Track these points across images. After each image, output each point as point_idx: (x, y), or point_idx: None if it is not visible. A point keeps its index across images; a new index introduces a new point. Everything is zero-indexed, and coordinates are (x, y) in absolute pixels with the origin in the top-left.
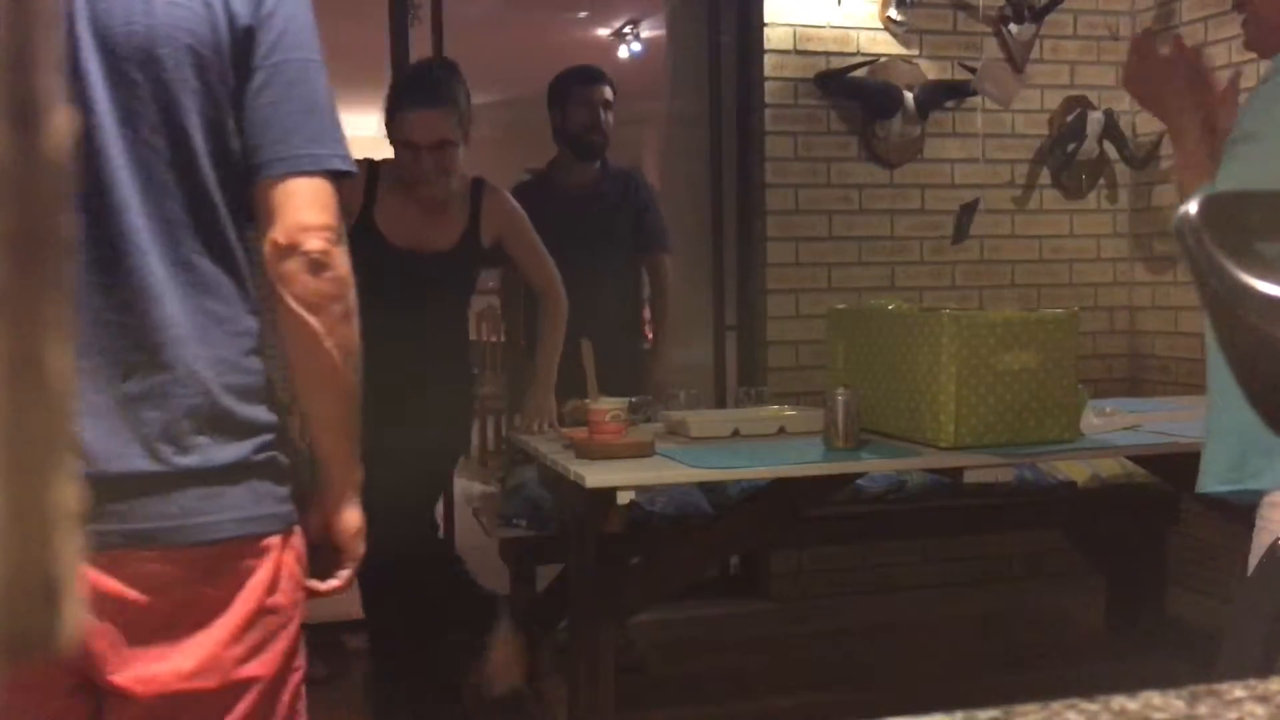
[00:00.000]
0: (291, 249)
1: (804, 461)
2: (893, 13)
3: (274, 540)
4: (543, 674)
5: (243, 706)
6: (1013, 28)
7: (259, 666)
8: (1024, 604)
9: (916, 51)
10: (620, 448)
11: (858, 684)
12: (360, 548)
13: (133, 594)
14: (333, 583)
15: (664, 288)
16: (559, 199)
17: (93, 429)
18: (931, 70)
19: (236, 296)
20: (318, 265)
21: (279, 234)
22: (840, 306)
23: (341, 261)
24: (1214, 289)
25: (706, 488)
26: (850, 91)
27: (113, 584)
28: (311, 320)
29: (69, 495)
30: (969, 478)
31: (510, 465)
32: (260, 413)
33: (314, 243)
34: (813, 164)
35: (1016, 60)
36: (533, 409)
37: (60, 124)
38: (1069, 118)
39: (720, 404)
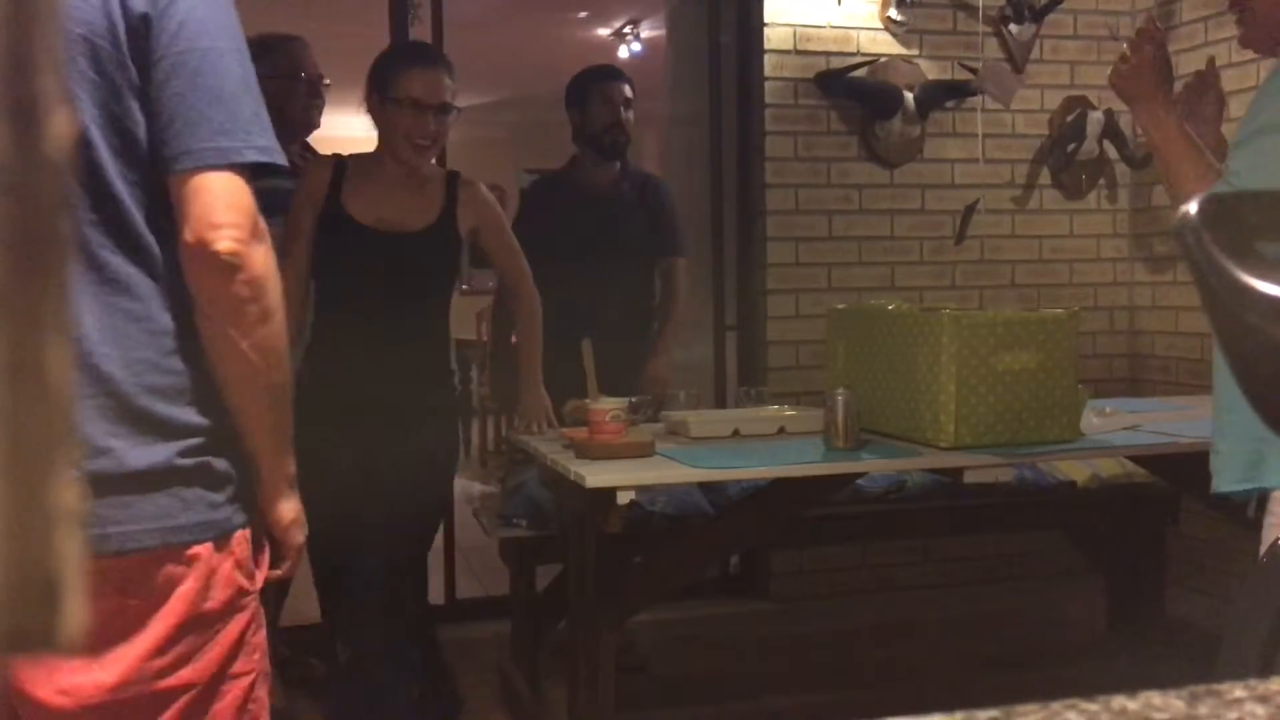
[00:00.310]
0: (200, 249)
1: (804, 461)
2: (893, 13)
3: (203, 549)
4: (542, 674)
5: (168, 716)
6: (1013, 28)
7: (189, 674)
8: (1024, 604)
9: (916, 51)
10: (620, 448)
11: (858, 684)
12: (297, 538)
13: None
14: (262, 575)
15: (676, 292)
16: (577, 198)
17: None
18: (931, 70)
19: (154, 293)
20: (228, 267)
21: (187, 233)
22: (840, 306)
23: (256, 260)
24: (1214, 289)
25: (706, 488)
26: (850, 91)
27: None
28: (225, 323)
29: (69, 494)
30: (969, 478)
31: (510, 465)
32: (187, 414)
33: (223, 243)
34: (813, 164)
35: (1016, 60)
36: (527, 409)
37: (61, 125)
38: (1069, 118)
39: (720, 404)
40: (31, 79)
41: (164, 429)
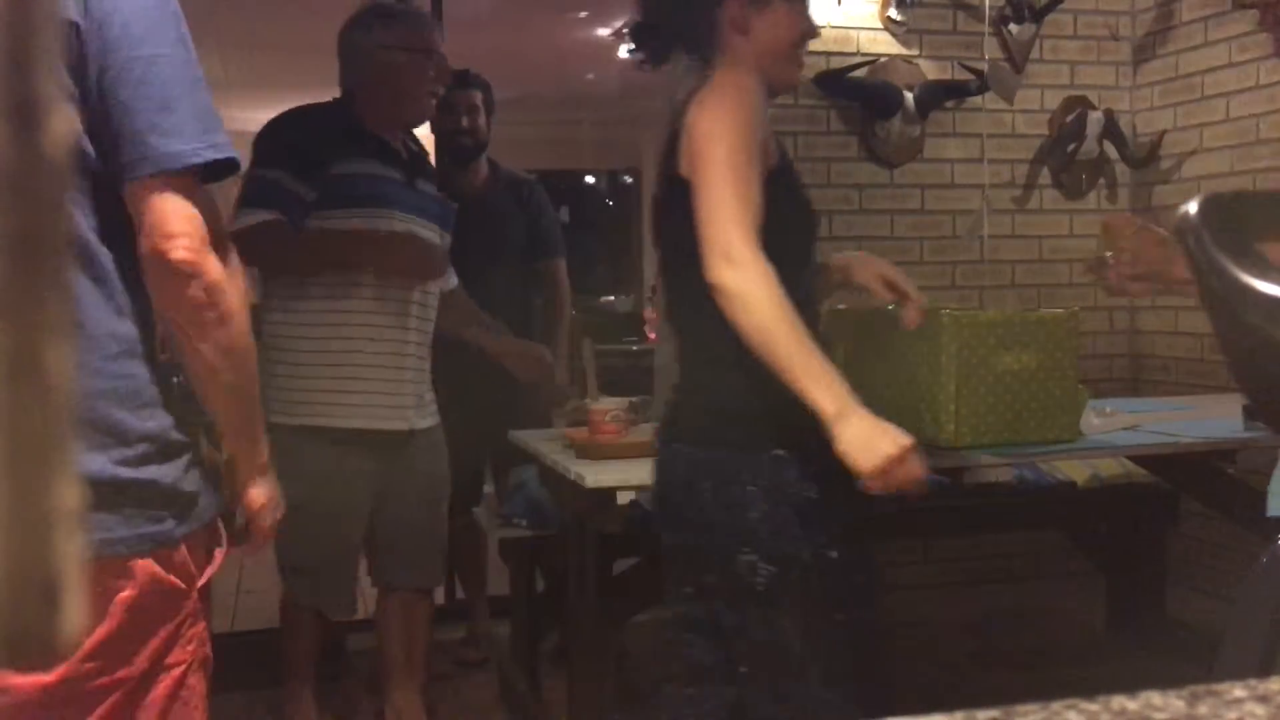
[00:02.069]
0: (156, 258)
1: None
2: (893, 13)
3: (143, 561)
4: (542, 674)
5: (102, 709)
6: (1013, 28)
7: (124, 671)
8: (1024, 604)
9: (916, 51)
10: (620, 448)
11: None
12: (265, 521)
13: None
14: (211, 570)
15: (559, 293)
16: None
17: None
18: (931, 70)
19: (97, 299)
20: (183, 275)
21: (144, 242)
22: (840, 306)
23: (211, 266)
24: (1214, 289)
25: None
26: (850, 91)
27: None
28: (185, 326)
29: (69, 495)
30: (969, 478)
31: (510, 466)
32: (131, 420)
33: (177, 252)
34: (812, 164)
35: (1016, 60)
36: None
37: (60, 124)
38: (1069, 118)
39: None
40: (30, 79)
41: (106, 436)
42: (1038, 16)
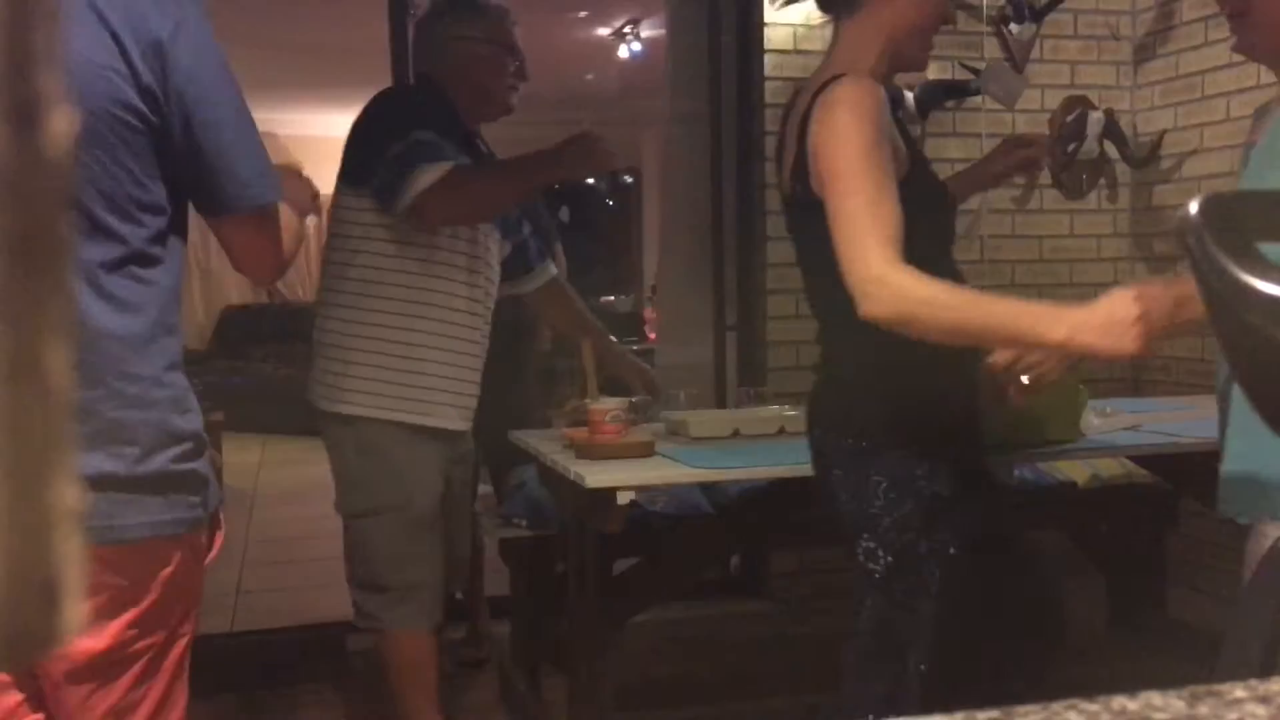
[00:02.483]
0: (244, 274)
1: (804, 462)
2: None
3: (179, 542)
4: (542, 673)
5: (136, 669)
6: (1013, 27)
7: (154, 638)
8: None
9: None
10: (620, 448)
11: None
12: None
13: None
14: (212, 556)
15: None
16: None
17: None
18: (931, 70)
19: (156, 319)
20: (262, 283)
21: (232, 263)
22: None
23: (272, 271)
24: (1215, 289)
25: (706, 488)
26: None
27: None
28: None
29: (69, 495)
30: None
31: (511, 464)
32: (180, 422)
33: (260, 277)
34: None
35: (1017, 60)
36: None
37: (61, 124)
38: (1069, 118)
39: (720, 404)
40: (31, 79)
41: (166, 436)
42: (1038, 16)
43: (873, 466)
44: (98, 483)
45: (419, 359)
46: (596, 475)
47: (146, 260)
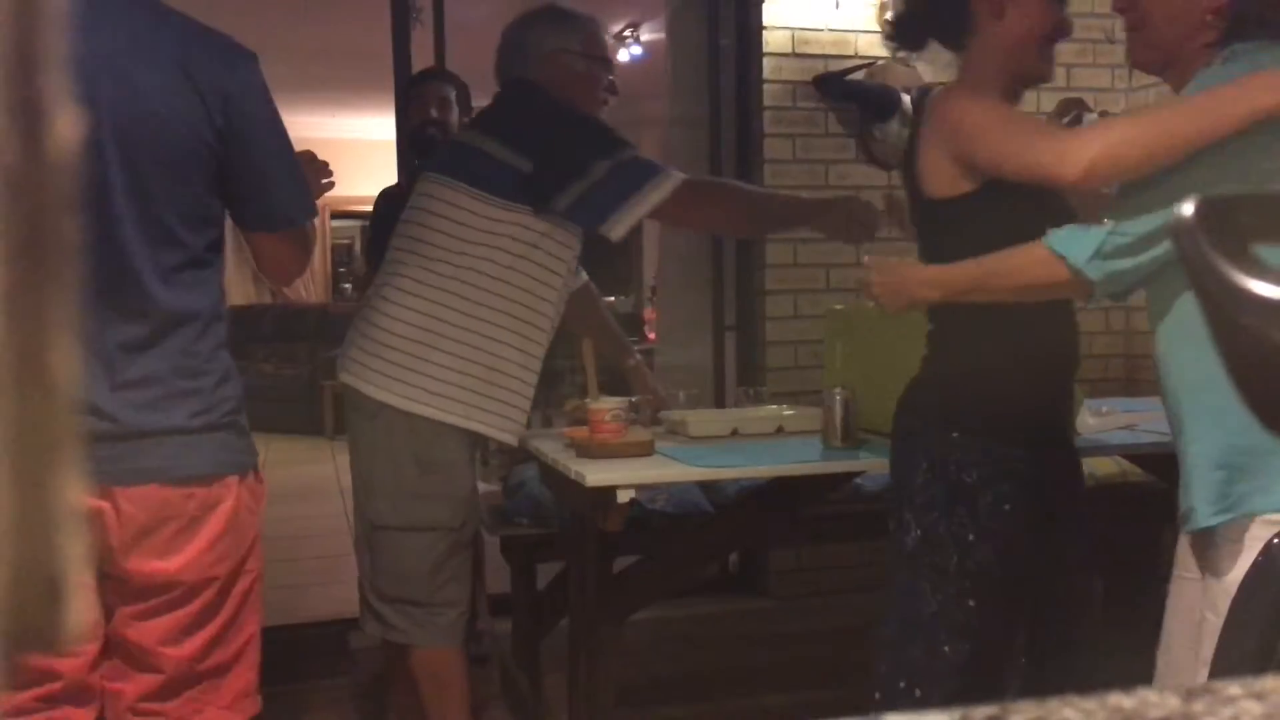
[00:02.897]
0: (269, 278)
1: (803, 460)
2: (890, 16)
3: (234, 479)
4: (542, 673)
5: (207, 594)
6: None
7: (221, 568)
8: None
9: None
10: (620, 446)
11: (857, 682)
12: None
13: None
14: (264, 489)
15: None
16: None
17: None
18: (929, 73)
19: (216, 306)
20: (281, 284)
21: (262, 273)
22: (838, 307)
23: (291, 279)
24: (1210, 291)
25: (706, 487)
26: (848, 94)
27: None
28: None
29: (73, 494)
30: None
31: (511, 463)
32: (228, 388)
33: (285, 283)
34: (811, 166)
35: None
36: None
37: (66, 125)
38: (1065, 120)
39: (720, 404)
40: (36, 79)
41: (216, 399)
42: None
43: (919, 447)
44: (168, 433)
45: (503, 371)
46: (597, 474)
47: (203, 263)
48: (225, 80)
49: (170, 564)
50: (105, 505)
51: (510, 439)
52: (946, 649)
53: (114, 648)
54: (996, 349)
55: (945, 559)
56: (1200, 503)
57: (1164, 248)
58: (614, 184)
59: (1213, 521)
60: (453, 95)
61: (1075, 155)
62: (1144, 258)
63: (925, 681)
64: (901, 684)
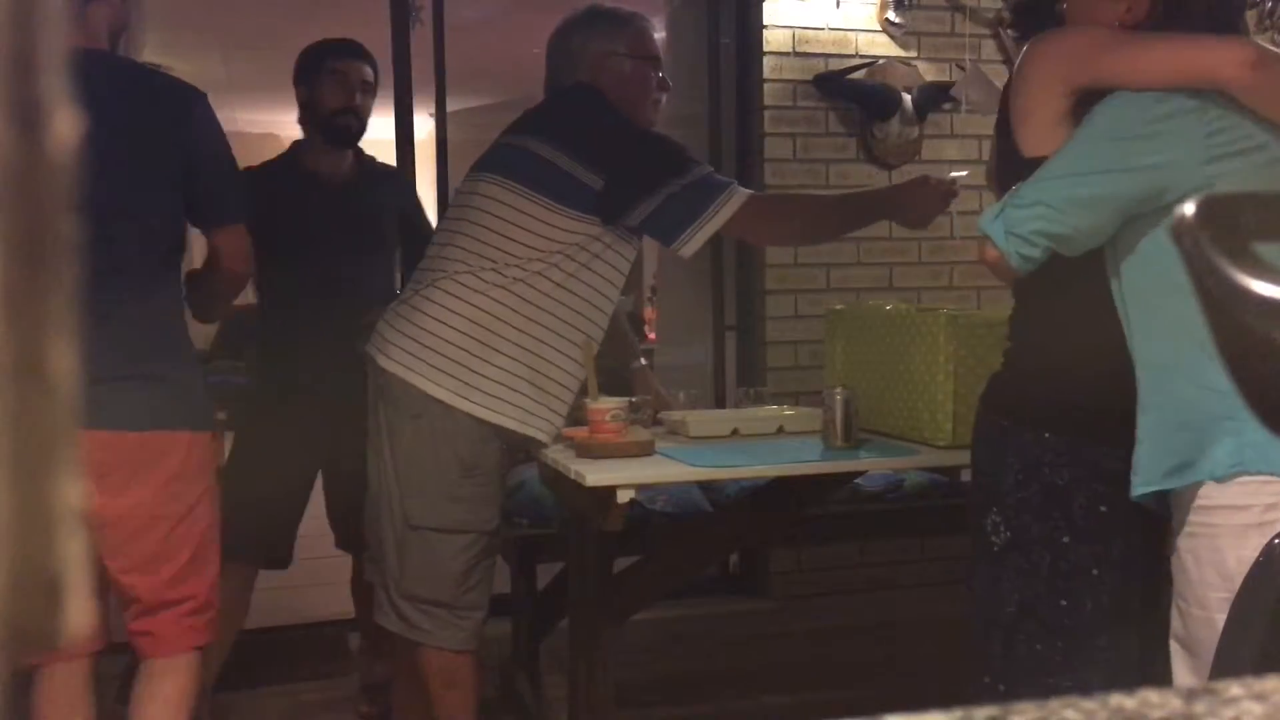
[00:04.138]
0: (229, 269)
1: (803, 460)
2: (891, 15)
3: (184, 434)
4: (542, 673)
5: (165, 526)
6: (1010, 30)
7: (175, 507)
8: None
9: (914, 54)
10: (620, 446)
11: (856, 682)
12: None
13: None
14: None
15: None
16: (303, 188)
17: None
18: (929, 72)
19: (177, 290)
20: (239, 277)
21: (220, 260)
22: (838, 307)
23: (247, 273)
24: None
25: (706, 486)
26: (849, 93)
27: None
28: (224, 293)
29: (72, 493)
30: (966, 476)
31: (511, 463)
32: (184, 349)
33: (238, 268)
34: (811, 165)
35: (1014, 62)
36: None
37: (64, 125)
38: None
39: (720, 404)
40: (34, 80)
41: (175, 360)
42: None
43: (1010, 447)
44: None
45: (554, 379)
46: (597, 474)
47: (174, 262)
48: (178, 113)
49: (124, 502)
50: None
51: (547, 439)
52: (1038, 647)
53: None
54: (1080, 342)
55: (1038, 560)
56: (1147, 469)
57: (1057, 210)
58: (686, 202)
59: (1158, 487)
60: (372, 77)
61: (1238, 53)
62: (1043, 222)
63: (1008, 678)
64: (986, 679)
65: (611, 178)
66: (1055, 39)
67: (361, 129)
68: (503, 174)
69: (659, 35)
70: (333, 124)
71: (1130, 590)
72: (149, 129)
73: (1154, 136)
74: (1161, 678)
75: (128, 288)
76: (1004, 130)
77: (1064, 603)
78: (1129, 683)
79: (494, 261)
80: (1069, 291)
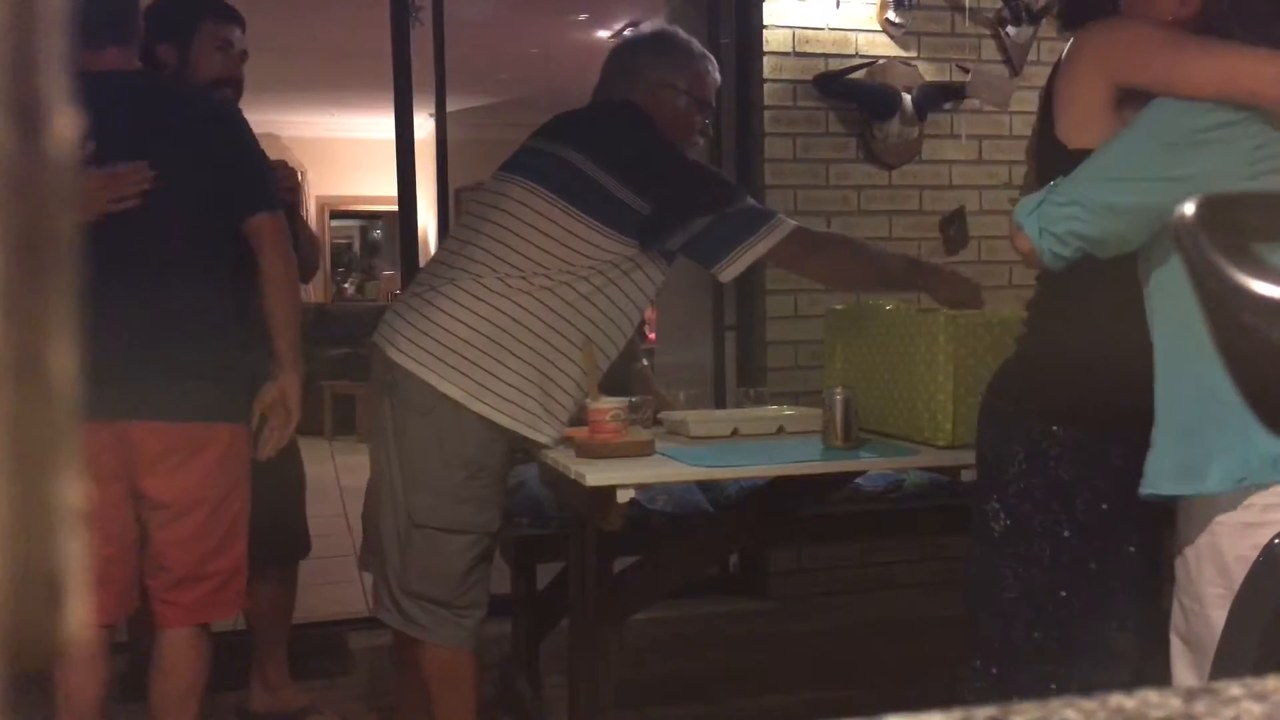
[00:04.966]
0: (273, 255)
1: (803, 460)
2: (891, 15)
3: (225, 426)
4: (542, 673)
5: (205, 509)
6: (1010, 29)
7: (213, 491)
8: None
9: (914, 53)
10: (620, 446)
11: (856, 682)
12: (292, 403)
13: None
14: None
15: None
16: None
17: None
18: (929, 72)
19: (221, 287)
20: (285, 261)
21: (262, 247)
22: (838, 307)
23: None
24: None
25: (706, 486)
26: (849, 93)
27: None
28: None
29: (72, 494)
30: (967, 477)
31: (510, 464)
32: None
33: (283, 251)
34: (812, 165)
35: (1014, 62)
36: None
37: (64, 124)
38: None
39: (720, 404)
40: (35, 79)
41: (223, 370)
42: (1035, 18)
43: (1016, 435)
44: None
45: (563, 388)
46: (597, 474)
47: (219, 260)
48: (216, 128)
49: (179, 485)
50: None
51: (554, 444)
52: (1036, 635)
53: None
54: (1100, 338)
55: (1037, 550)
56: (1161, 470)
57: (1093, 214)
58: (731, 228)
59: (1165, 492)
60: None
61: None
62: (1077, 223)
63: (1003, 662)
64: (977, 663)
65: (659, 204)
66: (1106, 30)
67: (238, 100)
68: (537, 181)
69: (718, 79)
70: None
71: (1129, 586)
72: (185, 138)
73: (1198, 147)
74: (1162, 673)
75: (174, 286)
76: (1046, 111)
77: (1063, 594)
78: (1123, 676)
79: (520, 269)
80: (1096, 287)
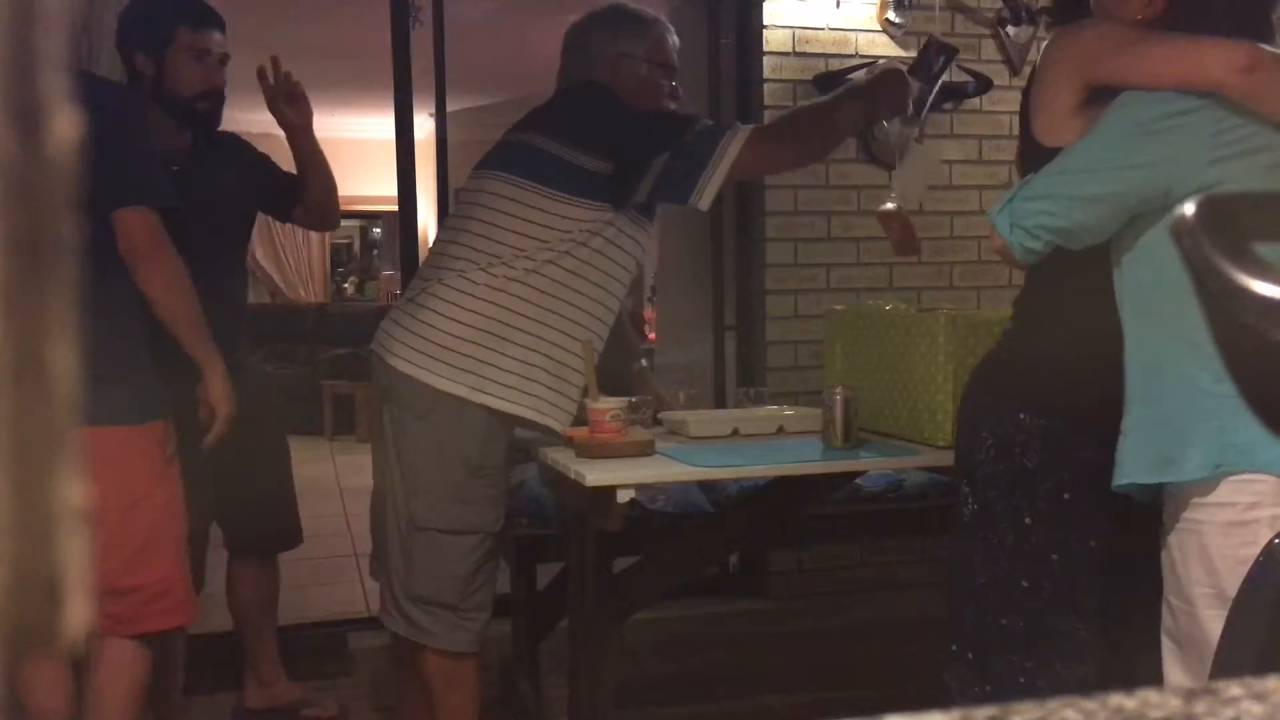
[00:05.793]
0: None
1: (803, 460)
2: (891, 15)
3: (145, 429)
4: (543, 673)
5: (122, 510)
6: (1010, 29)
7: (118, 498)
8: None
9: (914, 54)
10: (620, 446)
11: (856, 682)
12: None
13: None
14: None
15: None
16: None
17: None
18: None
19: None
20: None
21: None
22: (838, 307)
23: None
24: (1211, 289)
25: (706, 486)
26: None
27: None
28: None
29: (72, 493)
30: None
31: (511, 463)
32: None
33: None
34: (811, 165)
35: (1014, 62)
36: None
37: (64, 125)
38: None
39: (720, 404)
40: (35, 80)
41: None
42: (1035, 18)
43: (986, 422)
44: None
45: (569, 365)
46: (597, 474)
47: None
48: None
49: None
50: None
51: (560, 428)
52: (1003, 621)
53: None
54: (1081, 334)
55: (1001, 537)
56: (1134, 461)
57: (1060, 205)
58: (689, 155)
59: (1138, 481)
60: (227, 46)
61: (1233, 58)
62: (1046, 216)
63: (977, 647)
64: (954, 646)
65: (616, 159)
66: (1073, 33)
67: (220, 109)
68: (507, 170)
69: (677, 41)
70: (192, 108)
71: (1093, 581)
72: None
73: (1159, 134)
74: (1140, 670)
75: None
76: (1025, 119)
77: (1025, 583)
78: (1083, 670)
79: (501, 257)
80: (1073, 279)
